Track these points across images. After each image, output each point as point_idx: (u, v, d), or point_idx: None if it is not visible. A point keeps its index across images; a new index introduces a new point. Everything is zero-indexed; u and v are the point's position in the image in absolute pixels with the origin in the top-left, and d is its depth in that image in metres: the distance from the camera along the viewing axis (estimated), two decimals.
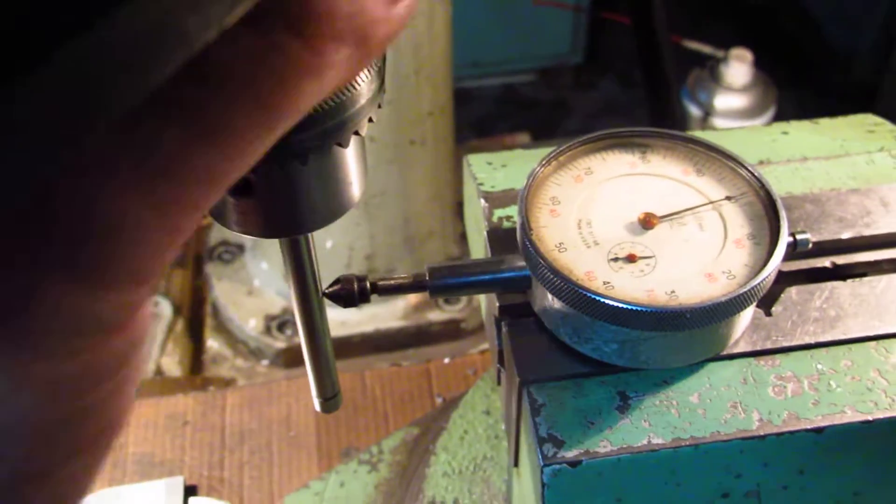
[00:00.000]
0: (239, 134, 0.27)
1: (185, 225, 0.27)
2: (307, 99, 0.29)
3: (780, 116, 1.91)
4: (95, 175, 0.25)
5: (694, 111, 1.89)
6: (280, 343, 1.58)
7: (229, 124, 0.27)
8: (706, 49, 1.99)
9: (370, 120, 0.41)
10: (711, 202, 0.57)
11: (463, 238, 1.68)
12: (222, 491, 1.06)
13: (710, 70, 1.91)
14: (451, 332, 1.62)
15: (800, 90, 2.43)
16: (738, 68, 1.86)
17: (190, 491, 1.05)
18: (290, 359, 1.59)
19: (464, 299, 1.60)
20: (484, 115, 2.65)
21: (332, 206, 0.45)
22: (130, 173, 0.25)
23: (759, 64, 1.91)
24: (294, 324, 1.59)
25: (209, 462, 1.08)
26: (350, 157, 0.43)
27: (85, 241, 0.25)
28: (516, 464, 0.62)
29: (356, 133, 0.40)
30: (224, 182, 0.28)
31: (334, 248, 1.53)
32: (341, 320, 1.57)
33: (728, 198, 0.57)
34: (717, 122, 1.87)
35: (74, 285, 0.25)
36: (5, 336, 0.24)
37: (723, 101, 1.86)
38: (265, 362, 1.60)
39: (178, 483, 1.03)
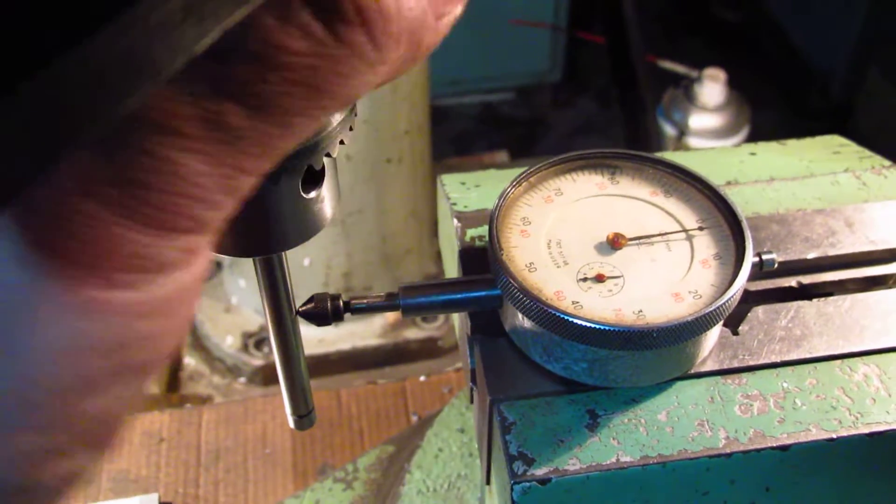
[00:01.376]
0: (295, 113, 0.31)
1: (240, 185, 0.31)
2: (360, 89, 0.33)
3: (755, 136, 1.93)
4: (164, 135, 0.28)
5: (669, 130, 1.91)
6: (257, 360, 1.58)
7: (288, 104, 0.30)
8: (680, 69, 2.01)
9: (341, 142, 0.41)
10: (685, 230, 0.58)
11: (440, 256, 1.69)
12: None
13: (685, 89, 1.93)
14: (428, 349, 1.62)
15: (776, 110, 2.46)
16: (712, 88, 1.87)
17: None
18: (268, 376, 1.59)
19: (441, 317, 1.61)
20: (462, 133, 2.66)
21: (304, 226, 0.45)
22: (196, 138, 0.29)
23: (736, 84, 1.93)
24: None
25: (185, 479, 1.08)
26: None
27: (151, 191, 0.28)
28: (488, 481, 0.62)
29: (328, 155, 0.41)
30: (276, 153, 0.32)
31: (312, 266, 1.53)
32: (319, 338, 1.57)
33: (700, 228, 0.57)
34: (692, 141, 1.88)
35: (140, 228, 0.28)
36: (79, 268, 0.28)
37: (697, 120, 1.88)
38: (242, 380, 1.60)
39: (153, 500, 1.03)
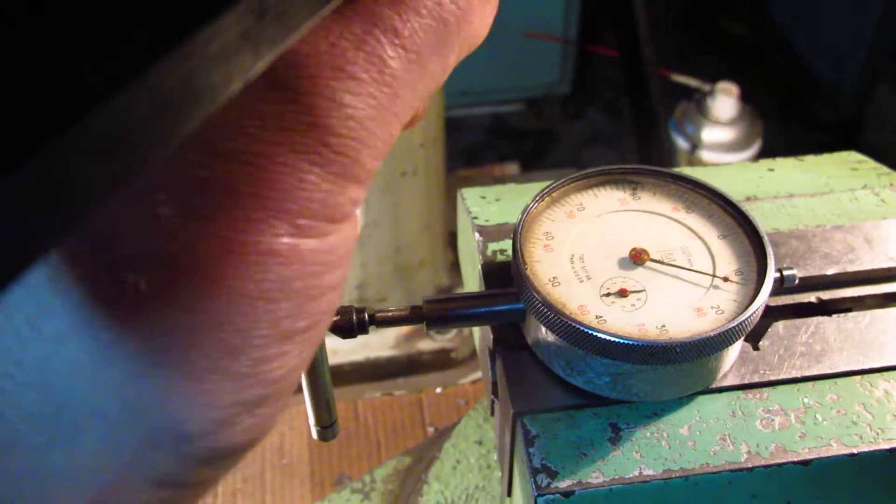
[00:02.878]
0: (431, 53, 0.32)
1: (394, 134, 0.32)
2: (482, 30, 0.34)
3: (766, 150, 1.93)
4: (339, 80, 0.29)
5: (681, 144, 1.91)
6: None
7: (425, 44, 0.32)
8: (693, 82, 2.01)
9: None
10: (713, 275, 0.57)
11: (454, 267, 1.69)
12: None
13: (697, 103, 1.93)
14: (441, 361, 1.62)
15: (787, 124, 2.46)
16: (725, 102, 1.88)
17: None
18: None
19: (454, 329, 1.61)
20: (473, 144, 2.67)
21: None
22: (364, 81, 0.30)
23: (746, 97, 1.94)
24: None
25: None
26: None
27: (333, 136, 0.29)
28: (510, 493, 0.63)
29: None
30: (420, 99, 0.33)
31: None
32: (332, 349, 1.57)
33: (725, 279, 0.57)
34: (704, 154, 1.89)
35: (326, 176, 0.29)
36: (272, 215, 0.29)
37: (710, 134, 1.88)
38: None
39: None
